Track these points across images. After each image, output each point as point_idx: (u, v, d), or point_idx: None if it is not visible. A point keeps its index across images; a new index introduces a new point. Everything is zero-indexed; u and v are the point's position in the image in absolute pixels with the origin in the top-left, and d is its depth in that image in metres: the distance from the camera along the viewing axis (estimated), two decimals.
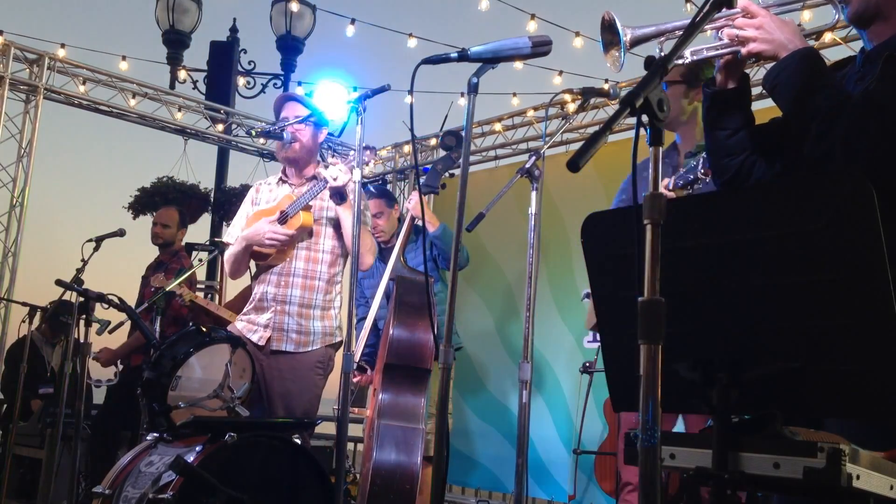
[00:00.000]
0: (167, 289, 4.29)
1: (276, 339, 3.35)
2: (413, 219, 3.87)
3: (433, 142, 7.12)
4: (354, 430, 4.49)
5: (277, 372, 3.34)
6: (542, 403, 5.70)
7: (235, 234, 3.53)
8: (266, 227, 3.32)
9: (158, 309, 4.50)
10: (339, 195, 3.26)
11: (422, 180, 3.33)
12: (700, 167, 2.51)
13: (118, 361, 5.00)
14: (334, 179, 3.17)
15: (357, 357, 3.58)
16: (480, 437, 6.18)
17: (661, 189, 2.40)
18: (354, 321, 2.83)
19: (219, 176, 7.59)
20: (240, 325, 3.43)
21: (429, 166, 3.38)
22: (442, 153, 3.67)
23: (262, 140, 7.02)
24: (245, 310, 3.50)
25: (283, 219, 3.34)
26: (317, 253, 3.42)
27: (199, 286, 6.39)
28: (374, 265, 3.83)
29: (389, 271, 3.26)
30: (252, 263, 3.60)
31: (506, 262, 6.27)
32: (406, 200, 3.84)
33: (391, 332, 3.32)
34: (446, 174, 3.36)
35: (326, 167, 3.27)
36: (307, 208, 3.35)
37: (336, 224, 3.44)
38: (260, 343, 3.36)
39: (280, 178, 3.59)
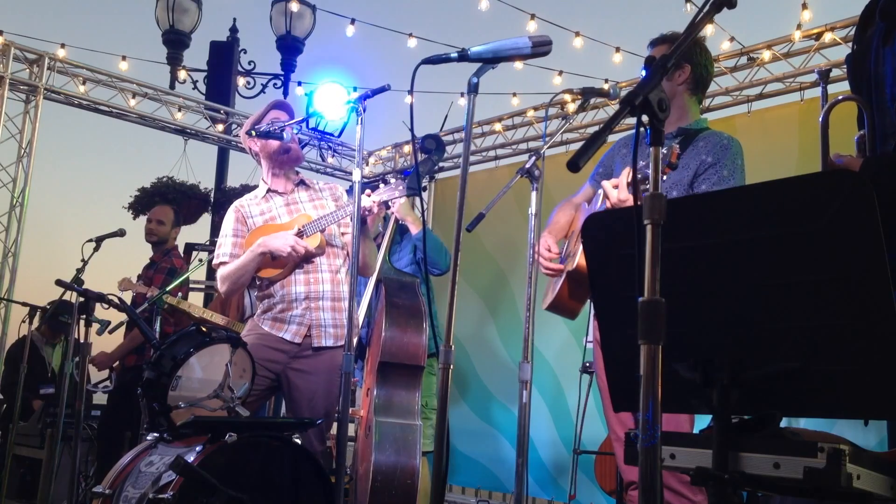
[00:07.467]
0: (153, 297, 4.36)
1: (316, 336, 3.34)
2: (397, 220, 3.90)
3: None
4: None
5: (304, 371, 3.32)
6: (542, 403, 5.70)
7: (228, 251, 3.43)
8: (291, 236, 3.32)
9: (158, 309, 4.50)
10: (362, 221, 3.27)
11: (400, 183, 3.35)
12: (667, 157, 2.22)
13: (113, 364, 5.00)
14: (368, 210, 3.23)
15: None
16: (480, 437, 6.18)
17: (623, 179, 2.32)
18: (357, 321, 2.83)
19: (219, 176, 7.59)
20: (265, 326, 3.38)
21: (409, 170, 3.38)
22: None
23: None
24: (265, 311, 3.42)
25: (300, 236, 3.36)
26: (334, 248, 3.45)
27: (198, 287, 6.39)
28: None
29: (376, 273, 3.29)
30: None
31: (506, 262, 6.27)
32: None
33: (384, 332, 3.37)
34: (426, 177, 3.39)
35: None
36: (323, 231, 3.37)
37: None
38: (295, 340, 3.32)
39: (268, 190, 3.53)
